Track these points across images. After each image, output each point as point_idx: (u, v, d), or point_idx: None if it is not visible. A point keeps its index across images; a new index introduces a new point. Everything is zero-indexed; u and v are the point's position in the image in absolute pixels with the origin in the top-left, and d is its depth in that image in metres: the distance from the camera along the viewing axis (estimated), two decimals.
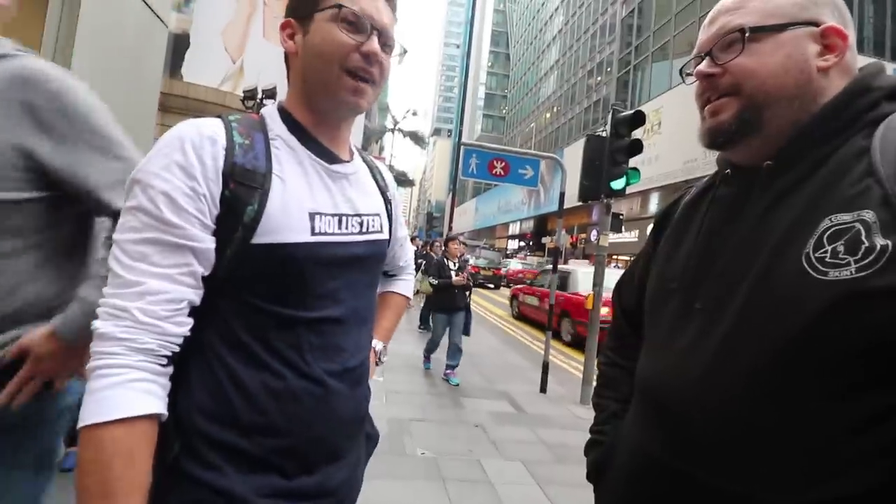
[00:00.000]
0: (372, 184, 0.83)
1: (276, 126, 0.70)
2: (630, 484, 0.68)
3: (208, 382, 0.62)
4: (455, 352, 4.80)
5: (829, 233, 0.51)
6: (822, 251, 0.51)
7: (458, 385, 4.57)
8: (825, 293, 0.49)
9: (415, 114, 32.63)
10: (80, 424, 0.53)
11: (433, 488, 2.61)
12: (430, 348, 5.14)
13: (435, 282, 4.92)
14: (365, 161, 0.84)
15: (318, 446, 0.68)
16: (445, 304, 4.95)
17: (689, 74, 0.69)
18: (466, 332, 5.03)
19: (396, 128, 32.38)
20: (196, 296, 0.60)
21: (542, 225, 31.24)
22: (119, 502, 0.51)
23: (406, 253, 1.04)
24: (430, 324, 7.35)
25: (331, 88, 0.68)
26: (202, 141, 0.61)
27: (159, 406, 0.56)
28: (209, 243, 0.60)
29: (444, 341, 4.92)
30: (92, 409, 0.52)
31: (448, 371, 4.77)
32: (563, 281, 7.92)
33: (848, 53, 0.60)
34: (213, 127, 0.63)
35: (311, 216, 0.66)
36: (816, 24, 0.59)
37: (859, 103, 0.57)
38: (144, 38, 4.15)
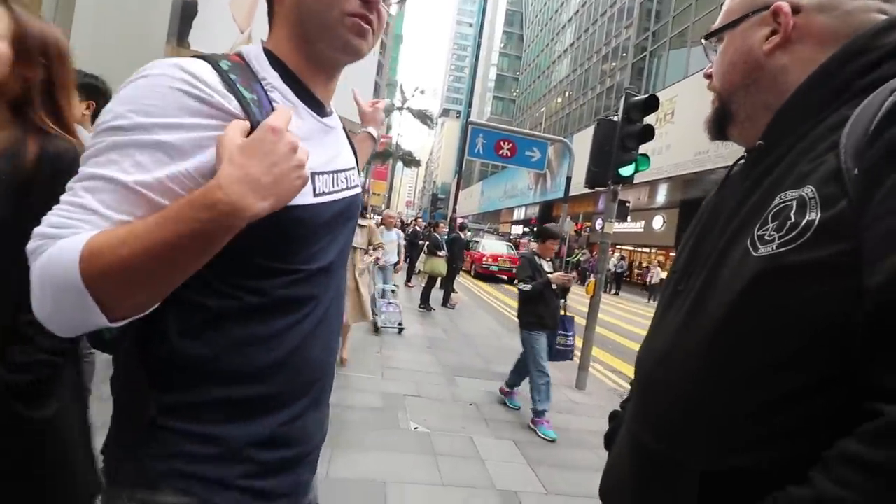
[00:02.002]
0: (345, 136, 0.81)
1: (266, 73, 0.64)
2: (614, 451, 0.73)
3: (195, 335, 0.60)
4: (539, 378, 3.40)
5: (774, 210, 0.51)
6: (763, 229, 0.51)
7: (554, 440, 3.22)
8: (750, 270, 0.50)
9: (423, 92, 32.21)
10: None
11: (425, 462, 2.65)
12: (517, 380, 3.73)
13: (527, 287, 3.47)
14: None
15: (303, 392, 0.68)
16: (545, 318, 3.48)
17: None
18: (553, 353, 3.57)
19: (405, 106, 31.97)
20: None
21: (548, 211, 31.05)
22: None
23: None
24: (430, 304, 7.45)
25: (332, 30, 0.64)
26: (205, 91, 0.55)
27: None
28: None
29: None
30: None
31: (540, 420, 3.35)
32: (475, 245, 15.25)
33: (817, 18, 0.57)
34: (212, 80, 0.56)
35: (313, 176, 0.64)
36: (769, 8, 0.60)
37: (850, 68, 0.54)
38: (148, 3, 4.06)
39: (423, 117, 33.12)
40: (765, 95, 0.61)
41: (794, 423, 0.47)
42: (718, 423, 0.52)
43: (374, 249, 4.16)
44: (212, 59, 0.59)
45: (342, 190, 0.72)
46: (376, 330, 5.37)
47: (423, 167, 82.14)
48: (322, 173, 0.66)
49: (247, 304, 0.61)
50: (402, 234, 6.87)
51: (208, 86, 0.55)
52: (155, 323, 0.59)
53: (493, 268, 14.40)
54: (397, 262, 6.44)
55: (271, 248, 0.61)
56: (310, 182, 0.63)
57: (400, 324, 5.63)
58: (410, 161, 37.87)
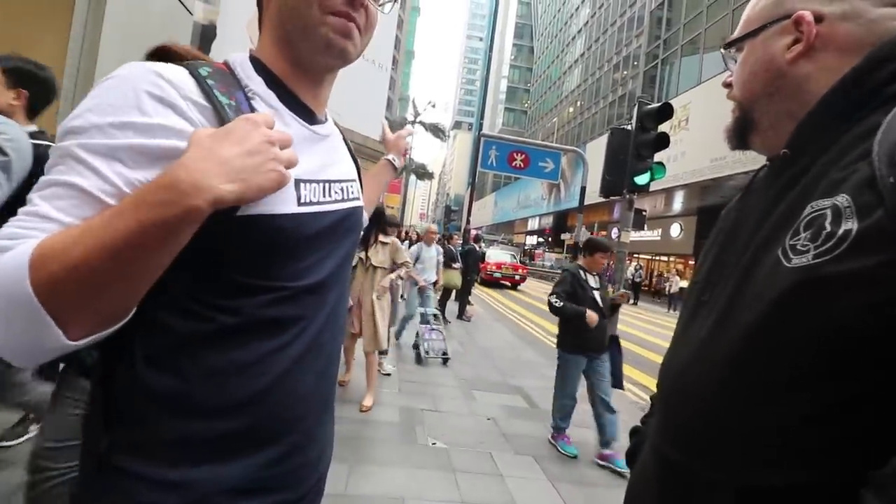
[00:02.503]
0: (345, 148, 0.76)
1: (250, 80, 0.60)
2: (638, 468, 0.71)
3: (159, 362, 0.54)
4: (604, 412, 3.07)
5: (806, 220, 0.50)
6: (796, 239, 0.50)
7: (575, 456, 3.10)
8: (784, 281, 0.48)
9: (434, 105, 32.50)
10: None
11: (443, 478, 2.61)
12: (566, 411, 3.27)
13: (558, 303, 3.11)
14: (335, 124, 0.77)
15: (287, 429, 0.61)
16: (587, 341, 3.11)
17: None
18: (617, 381, 3.24)
19: (417, 120, 32.36)
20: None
21: (562, 221, 30.86)
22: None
23: None
24: (446, 316, 7.42)
25: (313, 30, 0.60)
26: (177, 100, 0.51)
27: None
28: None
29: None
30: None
31: (560, 436, 3.23)
32: (484, 256, 15.25)
33: (841, 27, 0.56)
34: (185, 85, 0.52)
35: (297, 184, 0.59)
36: (790, 17, 0.59)
37: (876, 76, 0.53)
38: (171, 27, 4.22)
39: (436, 130, 33.42)
40: (788, 104, 0.61)
41: (834, 437, 0.46)
42: (753, 437, 0.50)
43: (399, 267, 3.68)
44: (191, 66, 0.55)
45: (337, 202, 0.67)
46: (419, 360, 4.91)
47: (436, 179, 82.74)
48: (309, 181, 0.61)
49: (222, 325, 0.55)
50: (441, 251, 6.23)
51: (178, 90, 0.51)
52: (119, 347, 0.53)
53: (497, 274, 16.21)
54: (436, 282, 5.91)
55: (249, 260, 0.55)
56: (293, 190, 0.58)
57: (445, 353, 4.96)
58: (423, 174, 38.16)
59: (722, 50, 0.70)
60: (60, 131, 0.49)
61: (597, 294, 3.20)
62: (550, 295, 3.22)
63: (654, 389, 0.75)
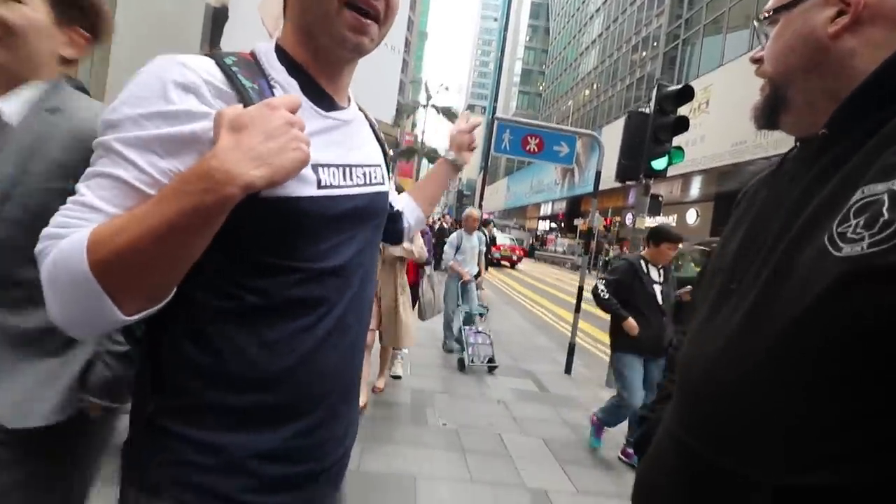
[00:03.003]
0: (370, 133, 0.78)
1: (273, 69, 0.63)
2: (653, 458, 0.69)
3: (199, 340, 0.59)
4: (621, 402, 2.90)
5: (857, 206, 0.46)
6: (846, 225, 0.46)
7: (595, 448, 3.02)
8: (832, 270, 0.45)
9: (447, 88, 32.07)
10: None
11: (454, 458, 2.66)
12: (617, 415, 2.93)
13: (605, 295, 2.88)
14: (361, 110, 0.79)
15: (314, 406, 0.65)
16: (641, 341, 2.80)
17: None
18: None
19: (430, 104, 32.01)
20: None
21: (576, 206, 30.49)
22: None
23: (395, 196, 1.04)
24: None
25: (330, 23, 0.61)
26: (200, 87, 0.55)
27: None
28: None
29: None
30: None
31: (599, 426, 3.04)
32: (494, 240, 16.14)
33: (872, 3, 0.53)
34: (209, 68, 0.56)
35: (315, 168, 0.61)
36: None
37: None
38: (183, 9, 4.21)
39: (448, 114, 33.05)
40: (828, 81, 0.57)
41: (880, 437, 0.44)
42: (795, 435, 0.48)
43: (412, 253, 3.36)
44: (217, 55, 0.59)
45: (359, 186, 0.68)
46: (462, 367, 4.29)
47: None
48: (328, 166, 0.63)
49: (250, 304, 0.59)
50: (483, 238, 5.23)
51: (201, 76, 0.55)
52: (162, 321, 0.58)
53: (496, 255, 18.07)
54: (478, 274, 5.06)
55: (273, 242, 0.59)
56: (313, 174, 0.60)
57: (491, 360, 4.32)
58: (435, 158, 37.95)
59: (755, 22, 0.67)
60: (101, 125, 0.54)
61: (658, 289, 2.85)
62: (599, 280, 3.03)
63: (677, 379, 0.71)
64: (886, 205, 0.43)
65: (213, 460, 0.58)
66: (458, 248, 4.87)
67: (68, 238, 0.49)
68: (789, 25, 0.60)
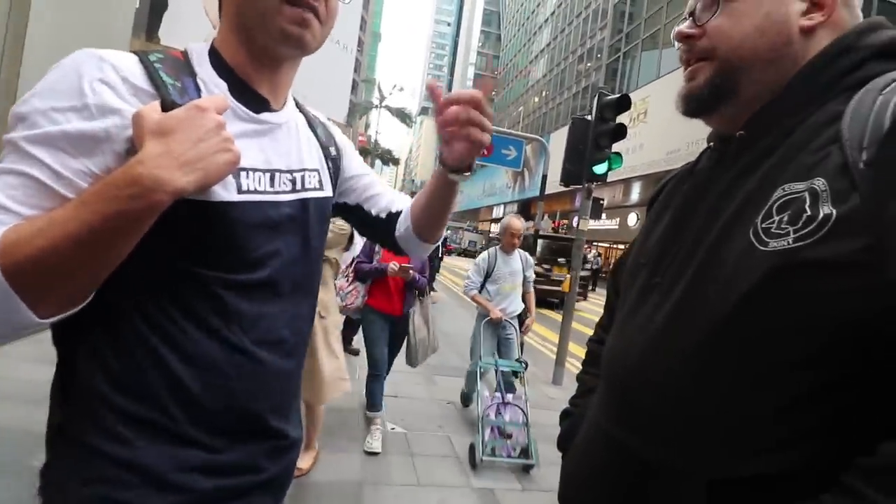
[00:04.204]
0: (309, 136, 0.75)
1: (201, 68, 0.61)
2: (580, 452, 0.69)
3: (117, 348, 0.56)
4: None
5: (779, 203, 0.49)
6: (769, 221, 0.48)
7: None
8: (761, 265, 0.47)
9: (401, 89, 31.97)
10: None
11: (402, 462, 2.63)
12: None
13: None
14: (303, 112, 0.76)
15: (241, 420, 0.62)
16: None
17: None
18: None
19: (383, 104, 31.72)
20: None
21: (527, 209, 31.33)
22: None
23: (398, 197, 0.91)
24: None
25: (269, 19, 0.59)
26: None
27: None
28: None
29: None
30: None
31: None
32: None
33: (842, 11, 0.55)
34: (129, 65, 0.54)
35: (237, 172, 0.59)
36: None
37: (838, 65, 0.53)
38: None
39: (402, 115, 32.91)
40: (777, 77, 0.55)
41: (810, 425, 0.45)
42: (726, 427, 0.49)
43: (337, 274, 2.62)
44: (140, 52, 0.57)
45: (286, 192, 0.65)
46: (473, 461, 2.68)
47: (402, 165, 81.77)
48: (253, 170, 0.61)
49: (170, 314, 0.57)
50: (530, 262, 3.55)
51: (118, 72, 0.53)
52: (78, 327, 0.56)
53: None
54: (524, 316, 3.49)
55: (190, 248, 0.57)
56: (233, 178, 0.58)
57: (526, 452, 2.71)
58: (389, 159, 37.61)
59: None
60: (10, 117, 0.51)
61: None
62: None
63: (602, 373, 0.71)
64: (808, 202, 0.46)
65: (139, 477, 0.55)
66: (487, 275, 3.32)
67: None
68: (760, 6, 0.55)
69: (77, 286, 0.51)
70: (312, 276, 0.72)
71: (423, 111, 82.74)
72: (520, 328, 3.49)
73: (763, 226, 0.49)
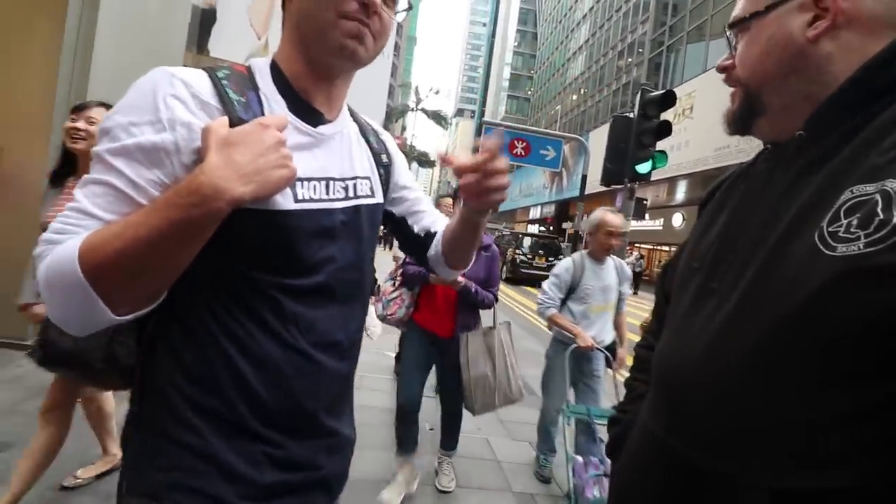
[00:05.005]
0: (362, 144, 0.78)
1: (264, 83, 0.65)
2: (632, 461, 0.68)
3: (191, 344, 0.61)
4: None
5: (847, 205, 0.47)
6: (836, 225, 0.47)
7: None
8: (829, 269, 0.45)
9: (437, 92, 32.22)
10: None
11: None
12: None
13: None
14: (357, 121, 0.80)
15: (298, 418, 0.66)
16: None
17: None
18: None
19: (419, 107, 32.08)
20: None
21: (564, 210, 30.76)
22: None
23: (439, 218, 0.93)
24: None
25: (326, 33, 0.63)
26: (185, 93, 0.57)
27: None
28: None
29: None
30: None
31: None
32: None
33: (848, 8, 0.54)
34: (198, 81, 0.59)
35: (293, 182, 0.62)
36: None
37: None
38: (168, 10, 4.17)
39: (438, 118, 33.16)
40: (805, 85, 0.58)
41: (876, 437, 0.44)
42: (788, 437, 0.48)
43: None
44: (210, 69, 0.62)
45: (340, 200, 0.69)
46: None
47: (438, 167, 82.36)
48: (308, 180, 0.65)
49: (236, 317, 0.61)
50: (626, 270, 2.63)
51: (189, 88, 0.57)
52: (159, 326, 0.62)
53: None
54: (615, 347, 2.57)
55: (252, 254, 0.61)
56: (289, 188, 0.61)
57: None
58: (425, 162, 37.98)
59: (727, 30, 0.67)
60: (98, 132, 0.58)
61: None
62: None
63: (654, 379, 0.70)
64: (881, 205, 0.44)
65: (210, 466, 0.60)
66: (571, 289, 2.46)
67: (63, 245, 0.52)
68: (764, 31, 0.61)
69: (149, 286, 0.55)
70: (364, 280, 0.75)
71: (459, 113, 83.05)
72: (610, 361, 2.45)
73: (830, 229, 0.47)
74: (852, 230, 0.45)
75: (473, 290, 2.18)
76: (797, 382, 0.47)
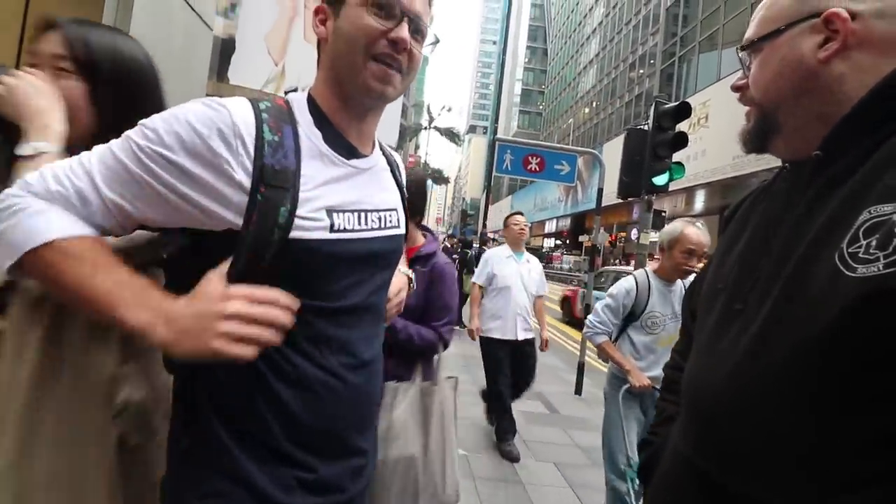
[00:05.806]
0: (390, 178, 0.82)
1: (301, 116, 0.68)
2: (662, 480, 0.68)
3: (229, 369, 0.61)
4: None
5: (866, 226, 0.47)
6: (856, 246, 0.46)
7: None
8: (851, 291, 0.45)
9: (449, 110, 32.70)
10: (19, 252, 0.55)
11: (464, 486, 2.59)
12: None
13: None
14: (384, 154, 0.83)
15: (330, 437, 0.68)
16: None
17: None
18: None
19: (432, 126, 32.54)
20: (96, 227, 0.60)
21: (580, 223, 30.54)
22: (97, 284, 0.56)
23: None
24: (463, 321, 7.33)
25: (356, 74, 0.67)
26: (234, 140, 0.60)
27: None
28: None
29: None
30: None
31: None
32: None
33: (875, 24, 0.54)
34: (244, 116, 0.61)
35: (329, 212, 0.65)
36: (819, 14, 0.57)
37: None
38: (192, 41, 4.35)
39: (451, 135, 33.58)
40: (819, 105, 0.58)
41: None
42: (814, 459, 0.47)
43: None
44: (254, 100, 0.64)
45: (373, 230, 0.71)
46: None
47: (452, 184, 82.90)
48: (343, 211, 0.67)
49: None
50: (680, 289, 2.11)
51: (236, 131, 0.60)
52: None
53: None
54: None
55: (291, 278, 0.62)
56: (326, 218, 0.64)
57: None
58: (439, 178, 38.34)
59: (739, 52, 0.68)
60: (140, 123, 0.60)
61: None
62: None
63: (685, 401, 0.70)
64: None
65: (247, 493, 0.61)
66: (634, 314, 2.07)
67: (45, 216, 0.55)
68: (776, 53, 0.62)
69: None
70: (383, 301, 0.80)
71: (471, 129, 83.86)
72: None
73: (850, 250, 0.47)
74: (871, 251, 0.45)
75: (416, 337, 1.55)
76: (819, 407, 0.47)
